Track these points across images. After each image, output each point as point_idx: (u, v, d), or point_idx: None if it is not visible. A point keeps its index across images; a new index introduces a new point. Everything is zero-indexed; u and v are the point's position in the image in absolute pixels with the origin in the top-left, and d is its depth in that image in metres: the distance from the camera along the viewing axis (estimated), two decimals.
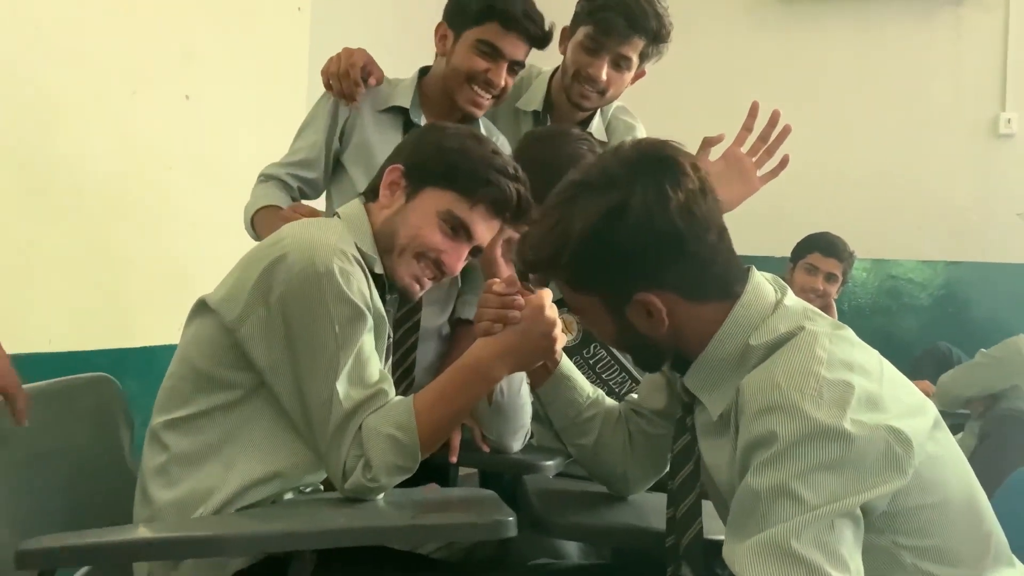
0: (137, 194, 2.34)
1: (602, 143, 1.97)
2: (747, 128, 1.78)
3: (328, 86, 1.89)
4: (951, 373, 3.02)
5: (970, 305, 3.97)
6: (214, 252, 1.36)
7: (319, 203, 1.99)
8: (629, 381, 1.73)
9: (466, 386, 1.29)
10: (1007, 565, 1.10)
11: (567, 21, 1.97)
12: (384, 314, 1.34)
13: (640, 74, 2.01)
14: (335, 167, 1.92)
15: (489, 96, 1.83)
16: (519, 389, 1.59)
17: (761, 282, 1.15)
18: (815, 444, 0.97)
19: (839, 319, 1.26)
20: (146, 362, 2.22)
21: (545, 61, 2.04)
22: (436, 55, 1.89)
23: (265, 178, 1.91)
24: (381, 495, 1.26)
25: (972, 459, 1.16)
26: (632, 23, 1.88)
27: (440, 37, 1.86)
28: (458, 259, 1.39)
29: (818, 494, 0.96)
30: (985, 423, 2.81)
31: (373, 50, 1.93)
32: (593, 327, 1.31)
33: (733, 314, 1.11)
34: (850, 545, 0.96)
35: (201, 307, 1.31)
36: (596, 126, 2.08)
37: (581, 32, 1.93)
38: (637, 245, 1.09)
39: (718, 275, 1.13)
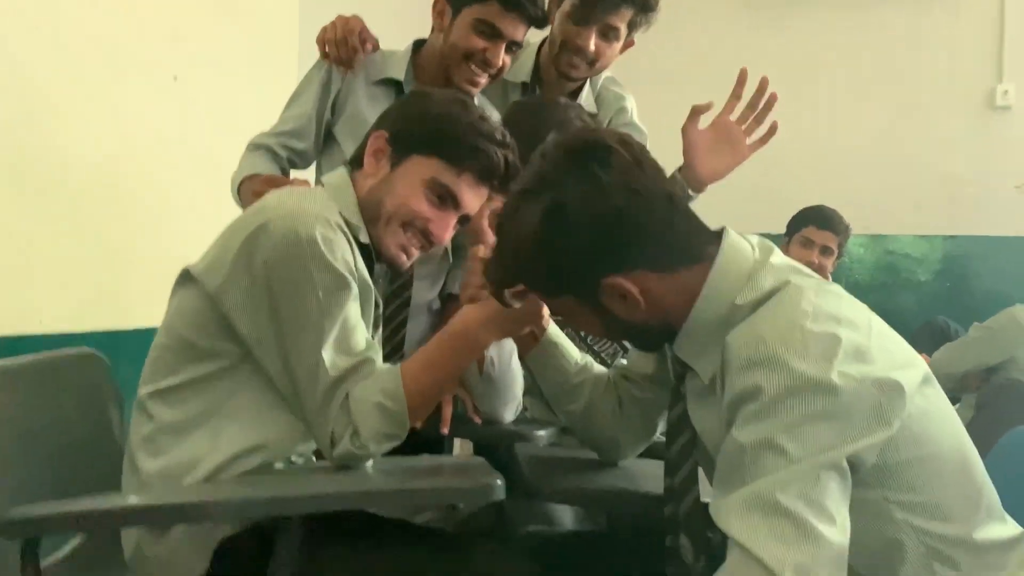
0: (127, 176, 2.33)
1: (592, 115, 1.96)
2: (736, 96, 1.77)
3: (325, 54, 1.87)
4: (944, 350, 2.99)
5: (968, 279, 3.96)
6: (207, 232, 1.35)
7: (309, 173, 1.97)
8: (620, 352, 1.72)
9: (454, 353, 1.28)
10: (998, 520, 1.10)
11: None
12: (370, 283, 1.33)
13: (629, 44, 1.99)
14: (326, 138, 1.90)
15: (486, 75, 1.81)
16: (510, 360, 1.58)
17: (737, 241, 1.13)
18: (801, 397, 0.96)
19: None
20: (140, 343, 2.19)
21: (532, 32, 2.03)
22: (432, 30, 1.87)
23: (254, 147, 1.89)
24: (370, 462, 1.25)
25: (968, 428, 1.14)
26: None
27: (438, 12, 1.84)
28: (446, 228, 1.37)
29: (804, 447, 0.95)
30: (981, 394, 2.79)
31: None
32: (580, 326, 1.33)
33: (711, 276, 1.10)
34: (836, 498, 0.95)
35: (185, 277, 1.30)
36: (585, 97, 2.07)
37: (568, 2, 1.92)
38: (585, 237, 1.08)
39: (681, 241, 1.11)
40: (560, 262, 1.11)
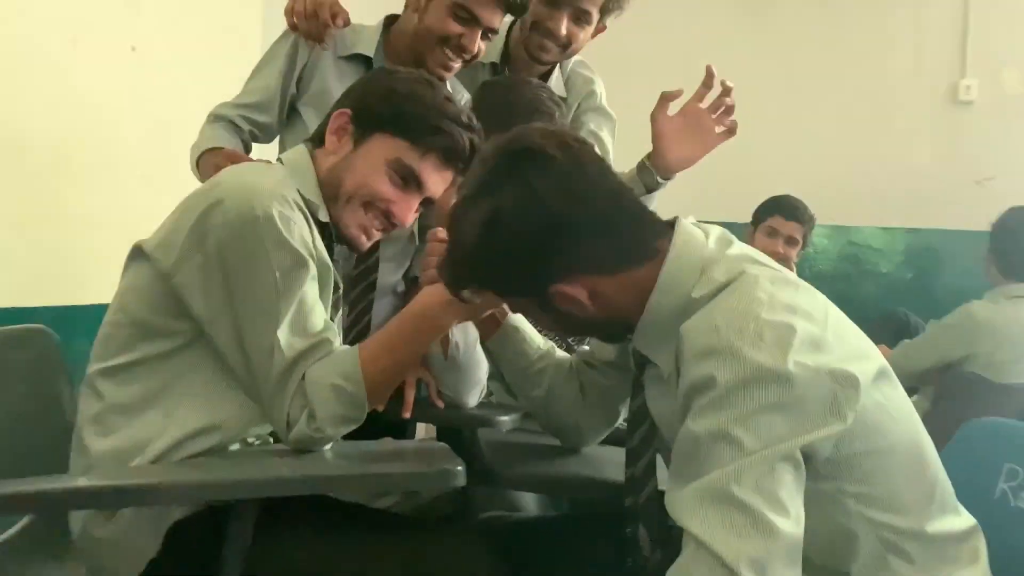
0: (82, 148, 2.26)
1: (562, 98, 1.94)
2: (706, 86, 1.76)
3: (293, 26, 1.82)
4: (903, 348, 3.01)
5: (929, 271, 4.02)
6: (164, 206, 1.31)
7: (272, 148, 1.93)
8: (584, 338, 1.71)
9: (413, 335, 1.26)
10: (952, 513, 1.10)
11: None
12: (329, 263, 1.30)
13: (601, 29, 1.97)
14: (290, 112, 1.86)
15: (459, 61, 1.78)
16: (475, 344, 1.56)
17: (689, 233, 1.12)
18: (755, 387, 0.95)
19: None
20: (95, 319, 2.16)
21: None
22: (406, 7, 1.83)
23: (215, 118, 1.84)
24: (329, 446, 1.23)
25: (925, 420, 1.15)
26: None
27: None
28: (408, 210, 1.34)
29: (758, 438, 0.94)
30: (938, 387, 2.82)
31: None
32: (537, 324, 1.32)
33: (664, 272, 1.09)
34: (790, 489, 0.94)
35: (137, 253, 1.26)
36: (555, 80, 2.05)
37: None
38: (523, 245, 1.07)
39: (628, 241, 1.10)
40: (503, 268, 1.10)
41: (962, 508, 1.13)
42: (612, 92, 2.13)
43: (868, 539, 1.02)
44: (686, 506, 0.95)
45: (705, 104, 1.74)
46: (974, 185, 3.89)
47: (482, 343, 1.44)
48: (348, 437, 1.27)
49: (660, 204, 1.69)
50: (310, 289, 1.23)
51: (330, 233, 1.34)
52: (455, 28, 1.74)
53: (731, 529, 0.92)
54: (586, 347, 1.42)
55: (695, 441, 0.97)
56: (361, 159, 1.32)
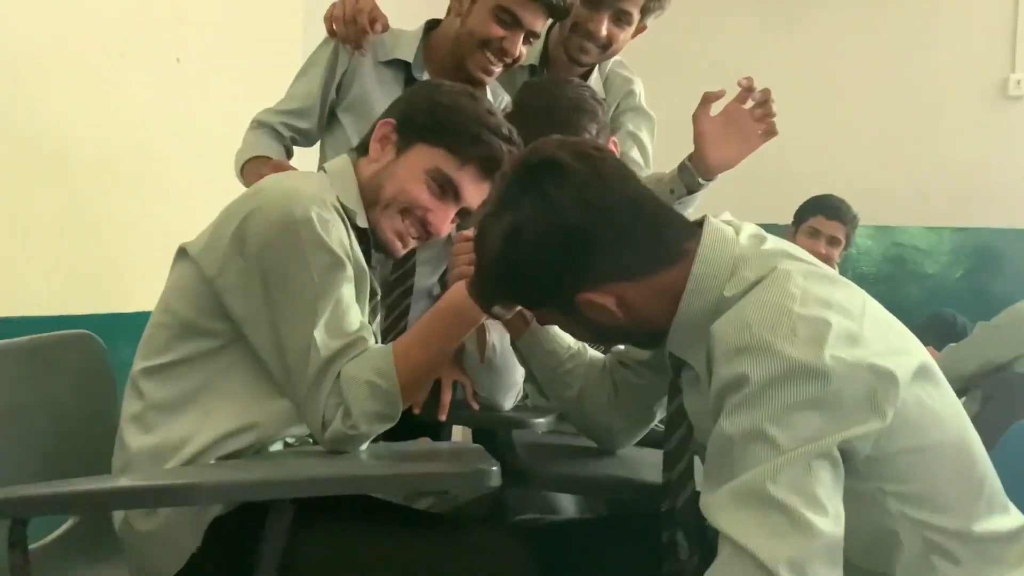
0: (129, 159, 2.32)
1: (600, 99, 1.94)
2: (740, 100, 1.74)
3: (332, 32, 1.84)
4: (951, 350, 2.95)
5: (977, 272, 3.92)
6: (208, 215, 1.35)
7: (312, 152, 1.95)
8: None
9: (444, 330, 1.27)
10: (1001, 512, 1.07)
11: None
12: (366, 268, 1.32)
13: (641, 29, 1.96)
14: (330, 118, 1.88)
15: (501, 64, 1.79)
16: (511, 346, 1.56)
17: (719, 231, 1.11)
18: (790, 384, 0.93)
19: None
20: (140, 326, 2.20)
21: None
22: (449, 13, 1.84)
23: (258, 124, 1.88)
24: (364, 446, 1.24)
25: (975, 420, 1.12)
26: None
27: None
28: (444, 219, 1.36)
29: (794, 436, 0.92)
30: (988, 387, 2.75)
31: None
32: (570, 334, 1.32)
33: (693, 272, 1.07)
34: (828, 487, 0.92)
35: (182, 254, 1.30)
36: (594, 81, 2.04)
37: None
38: (546, 255, 1.08)
39: (651, 244, 1.09)
40: (528, 281, 1.11)
41: (1013, 507, 1.09)
42: (652, 93, 2.12)
43: (911, 540, 1.00)
44: (721, 508, 0.94)
45: (747, 105, 1.72)
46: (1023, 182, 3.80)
47: (512, 343, 1.44)
48: (383, 439, 1.28)
49: (701, 206, 1.68)
50: (347, 290, 1.24)
51: (368, 239, 1.36)
52: (497, 31, 1.74)
53: (768, 530, 0.90)
54: (620, 346, 1.41)
55: (728, 441, 0.95)
56: (402, 167, 1.35)
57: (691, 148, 1.76)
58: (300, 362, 1.20)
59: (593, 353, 1.41)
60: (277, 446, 1.29)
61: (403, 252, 1.41)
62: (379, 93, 1.82)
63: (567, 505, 1.78)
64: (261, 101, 1.96)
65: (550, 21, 1.99)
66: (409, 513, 1.33)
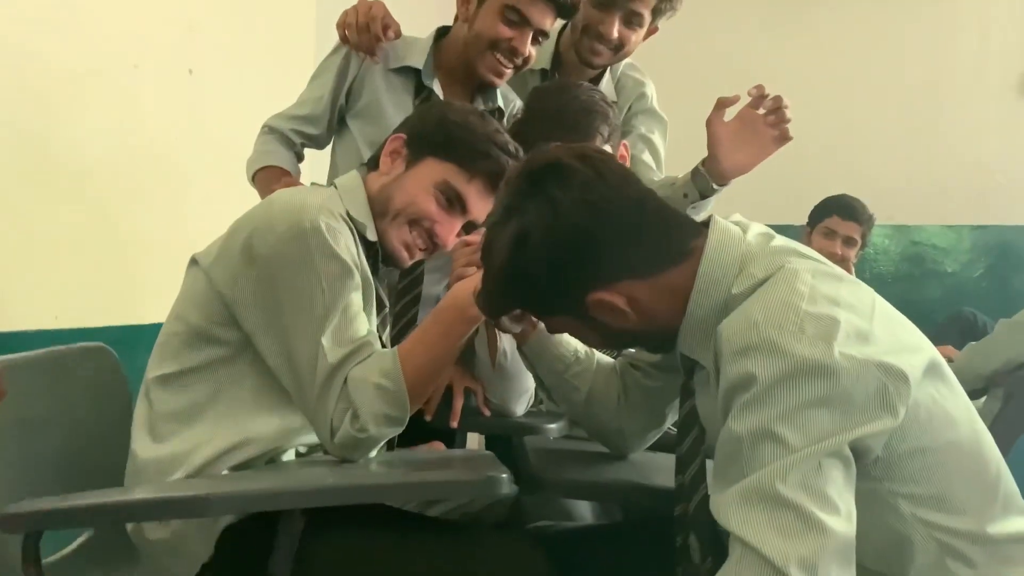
0: (141, 170, 2.34)
1: (612, 102, 1.93)
2: (753, 107, 1.73)
3: (344, 39, 1.85)
4: (971, 349, 2.91)
5: (997, 270, 3.87)
6: (223, 227, 1.37)
7: (323, 157, 1.97)
8: None
9: (447, 328, 1.29)
10: (1017, 513, 1.05)
11: None
12: (372, 281, 1.34)
13: (652, 31, 1.96)
14: (339, 124, 1.90)
15: (511, 65, 1.79)
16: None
17: (725, 229, 1.10)
18: (798, 382, 0.92)
19: None
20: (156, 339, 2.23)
21: None
22: (456, 20, 1.85)
23: (269, 130, 1.90)
24: (374, 453, 1.24)
25: (996, 419, 1.10)
26: None
27: (462, 1, 1.81)
28: (451, 232, 1.39)
29: (803, 434, 0.91)
30: (1010, 385, 2.72)
31: None
32: (581, 340, 1.32)
33: (701, 270, 1.07)
34: (840, 486, 0.91)
35: (193, 264, 1.32)
36: (606, 83, 2.04)
37: None
38: (553, 259, 1.08)
39: (658, 244, 1.09)
40: (537, 287, 1.11)
41: None
42: (665, 96, 2.11)
43: (924, 543, 0.99)
44: (731, 508, 0.93)
45: (760, 111, 1.71)
46: None
47: (518, 349, 1.44)
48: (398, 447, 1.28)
49: (716, 208, 1.67)
50: (355, 297, 1.26)
51: (376, 252, 1.39)
52: (506, 31, 1.74)
53: (779, 530, 0.89)
54: (631, 349, 1.41)
55: (738, 441, 0.94)
56: (411, 180, 1.38)
57: (704, 151, 1.75)
58: (308, 369, 1.21)
59: (601, 357, 1.40)
60: (289, 455, 1.30)
61: (409, 263, 1.43)
62: (389, 100, 1.83)
63: (583, 511, 1.77)
64: (273, 111, 1.97)
65: (561, 23, 2.00)
66: (422, 520, 1.34)
